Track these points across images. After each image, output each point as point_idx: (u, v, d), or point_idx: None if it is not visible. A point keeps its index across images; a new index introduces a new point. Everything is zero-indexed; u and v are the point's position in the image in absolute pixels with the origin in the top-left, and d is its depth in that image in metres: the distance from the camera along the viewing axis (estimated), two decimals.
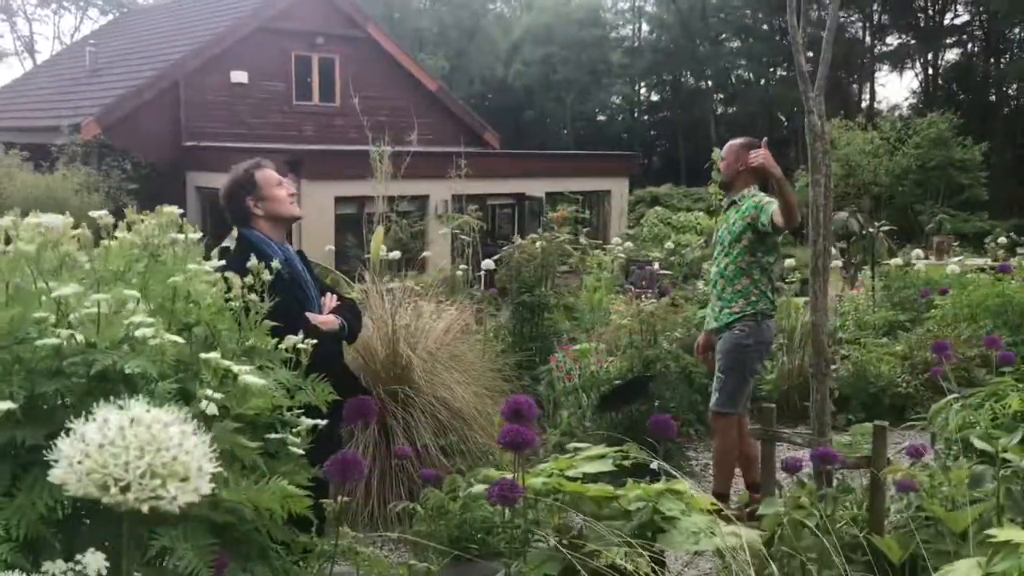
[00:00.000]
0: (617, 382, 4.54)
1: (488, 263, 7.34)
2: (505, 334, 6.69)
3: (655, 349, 5.40)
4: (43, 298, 1.89)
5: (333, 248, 13.71)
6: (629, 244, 11.89)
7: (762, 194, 4.65)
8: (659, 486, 2.87)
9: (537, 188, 17.28)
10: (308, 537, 2.79)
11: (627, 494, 2.84)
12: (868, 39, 37.15)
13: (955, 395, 4.54)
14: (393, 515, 4.49)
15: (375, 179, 13.51)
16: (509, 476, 3.20)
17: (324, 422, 2.69)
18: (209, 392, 2.00)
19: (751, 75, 40.41)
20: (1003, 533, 2.39)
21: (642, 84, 43.88)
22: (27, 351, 1.80)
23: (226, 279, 2.39)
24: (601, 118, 43.64)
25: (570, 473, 3.14)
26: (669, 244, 14.85)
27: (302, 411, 2.45)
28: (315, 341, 2.68)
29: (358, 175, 13.72)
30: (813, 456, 3.24)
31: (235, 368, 2.09)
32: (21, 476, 1.77)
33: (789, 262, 8.01)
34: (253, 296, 2.34)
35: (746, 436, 4.97)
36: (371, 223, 13.59)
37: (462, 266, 9.10)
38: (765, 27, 38.48)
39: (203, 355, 1.95)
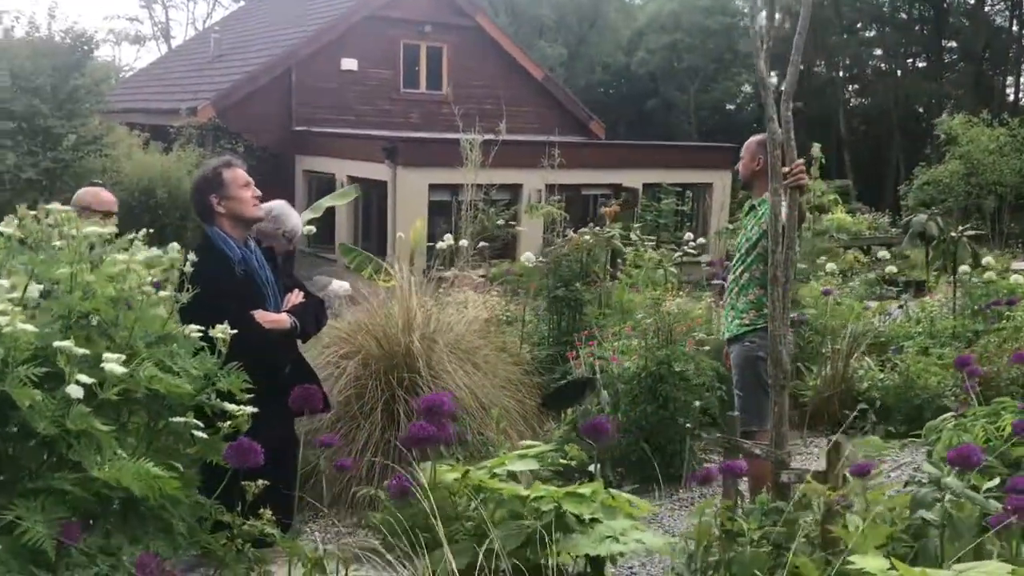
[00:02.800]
0: (561, 382, 4.54)
1: (529, 256, 7.38)
2: (542, 328, 6.75)
3: (666, 350, 5.35)
4: None
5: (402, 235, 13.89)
6: (700, 239, 11.66)
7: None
8: (566, 489, 2.90)
9: (635, 179, 17.14)
10: (233, 516, 2.97)
11: (530, 495, 2.88)
12: (1015, 27, 35.01)
13: (951, 413, 4.36)
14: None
15: (468, 167, 13.75)
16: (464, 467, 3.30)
17: (253, 408, 2.85)
18: (80, 377, 2.17)
19: (885, 65, 38.74)
20: (863, 561, 2.33)
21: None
22: None
23: (135, 272, 2.55)
24: (729, 107, 42.72)
25: (498, 470, 3.20)
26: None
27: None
28: (235, 331, 2.84)
29: (452, 163, 14.02)
30: (721, 468, 3.20)
31: (108, 356, 2.25)
32: None
33: (830, 266, 7.74)
34: (148, 288, 2.50)
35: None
36: (464, 211, 13.86)
37: (540, 258, 9.15)
38: (902, 15, 36.81)
39: (56, 343, 2.11)
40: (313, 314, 3.82)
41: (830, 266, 7.51)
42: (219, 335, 2.80)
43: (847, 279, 10.68)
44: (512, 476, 3.12)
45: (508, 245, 14.89)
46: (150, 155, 15.96)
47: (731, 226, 17.97)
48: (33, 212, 2.47)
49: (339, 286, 7.51)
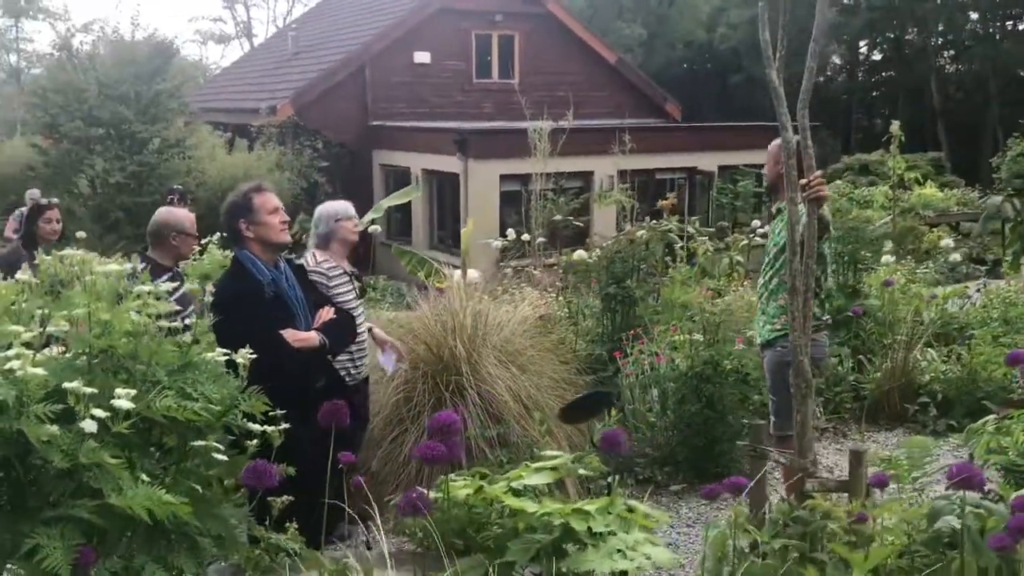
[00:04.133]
0: (579, 395, 4.56)
1: (581, 253, 7.41)
2: (595, 325, 6.78)
3: (712, 349, 5.33)
4: None
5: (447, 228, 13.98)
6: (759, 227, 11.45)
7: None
8: (572, 505, 2.96)
9: (709, 162, 16.92)
10: (263, 530, 3.13)
11: (536, 511, 2.95)
12: None
13: (993, 416, 4.25)
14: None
15: (538, 156, 13.80)
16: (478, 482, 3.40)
17: (281, 426, 3.00)
18: (95, 412, 2.33)
19: (981, 29, 37.10)
20: None
21: (863, 43, 41.42)
22: None
23: (154, 306, 2.71)
24: (818, 79, 41.63)
25: (515, 484, 3.28)
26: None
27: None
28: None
29: (522, 153, 14.08)
30: (703, 493, 3.21)
31: (120, 392, 2.40)
32: None
33: (886, 258, 7.53)
34: (162, 322, 2.65)
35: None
36: (538, 199, 13.93)
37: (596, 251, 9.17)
38: None
39: (66, 384, 2.27)
40: (343, 330, 3.94)
41: (885, 258, 7.31)
42: (240, 359, 2.95)
43: (926, 261, 10.39)
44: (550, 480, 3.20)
45: (581, 232, 14.89)
46: (233, 155, 16.47)
47: None
48: (60, 254, 2.64)
49: (470, 275, 7.64)
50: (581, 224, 13.16)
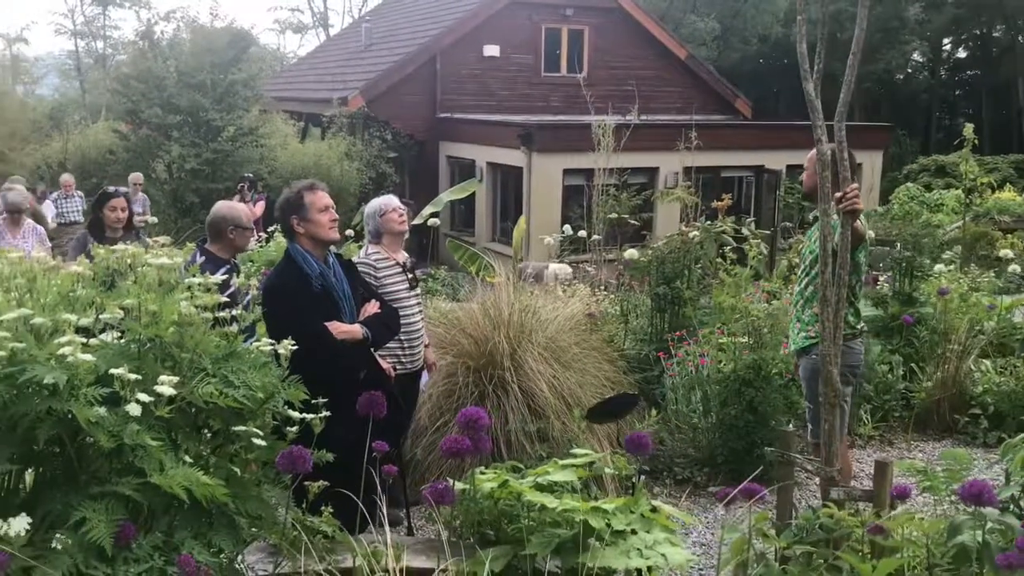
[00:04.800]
0: (607, 396, 4.61)
1: (632, 252, 7.44)
2: (646, 324, 6.83)
3: (756, 354, 5.35)
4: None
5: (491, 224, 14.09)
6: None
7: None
8: (592, 504, 3.06)
9: (777, 161, 16.71)
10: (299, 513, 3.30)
11: (556, 507, 3.05)
12: None
13: None
14: None
15: (601, 151, 13.85)
16: (504, 476, 3.51)
17: (321, 414, 3.16)
18: (140, 396, 2.51)
19: None
20: None
21: (946, 41, 40.30)
22: None
23: (200, 298, 2.88)
24: (898, 77, 40.61)
25: (541, 480, 3.39)
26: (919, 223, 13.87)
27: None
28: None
29: (586, 147, 14.13)
30: (719, 496, 3.27)
31: (164, 378, 2.58)
32: None
33: (938, 267, 7.39)
34: (207, 314, 2.82)
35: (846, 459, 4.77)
36: (600, 195, 13.97)
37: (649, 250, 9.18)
38: None
39: (112, 370, 2.45)
40: (385, 323, 4.09)
41: (938, 267, 7.19)
42: (282, 350, 3.11)
43: (996, 267, 10.14)
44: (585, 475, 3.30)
45: (643, 229, 14.88)
46: (304, 144, 16.84)
47: (880, 209, 17.29)
48: (112, 249, 2.82)
49: (559, 269, 7.79)
50: (636, 223, 13.13)
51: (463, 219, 17.64)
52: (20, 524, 2.35)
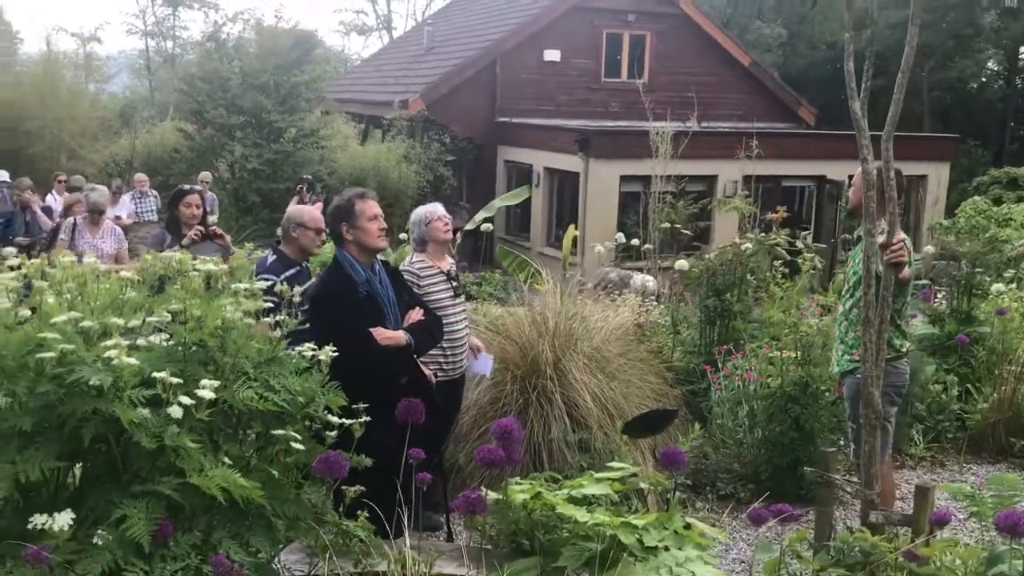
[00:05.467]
0: (641, 412, 4.57)
1: (682, 263, 7.39)
2: (694, 336, 6.79)
3: (803, 370, 5.29)
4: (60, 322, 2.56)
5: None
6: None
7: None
8: (623, 519, 3.06)
9: (839, 171, 16.43)
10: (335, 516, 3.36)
11: (586, 520, 3.06)
12: None
13: None
14: None
15: (659, 158, 13.78)
16: (537, 487, 3.53)
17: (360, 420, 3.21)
18: (182, 399, 2.59)
19: None
20: None
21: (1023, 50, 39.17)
22: (30, 361, 2.49)
23: (243, 303, 2.96)
24: (972, 86, 39.62)
25: (575, 492, 3.40)
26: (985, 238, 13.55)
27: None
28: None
29: (644, 154, 14.07)
30: (750, 516, 3.24)
31: (205, 382, 2.65)
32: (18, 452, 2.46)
33: (996, 287, 7.18)
34: (249, 320, 2.89)
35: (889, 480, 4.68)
36: (657, 202, 13.91)
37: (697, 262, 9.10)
38: None
39: (155, 373, 2.53)
40: (429, 331, 4.14)
41: (996, 287, 7.00)
42: (323, 356, 3.18)
43: None
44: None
45: (701, 238, 14.75)
46: (364, 146, 17.04)
47: (945, 222, 16.91)
48: (160, 255, 2.91)
49: (646, 279, 7.79)
50: (688, 232, 12.99)
51: (519, 223, 17.69)
52: (64, 519, 2.44)
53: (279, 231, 9.75)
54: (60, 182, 12.71)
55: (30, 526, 2.42)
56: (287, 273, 4.83)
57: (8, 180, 11.83)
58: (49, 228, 8.83)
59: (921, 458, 6.10)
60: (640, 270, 12.64)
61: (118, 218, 11.39)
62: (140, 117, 19.73)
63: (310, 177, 12.57)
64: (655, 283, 7.38)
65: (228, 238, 6.31)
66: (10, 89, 14.71)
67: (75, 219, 7.44)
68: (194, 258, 3.01)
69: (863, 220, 3.40)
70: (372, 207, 4.07)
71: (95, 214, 7.36)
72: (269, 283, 3.17)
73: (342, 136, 17.17)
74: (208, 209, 12.70)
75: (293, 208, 5.36)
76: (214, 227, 6.32)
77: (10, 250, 8.00)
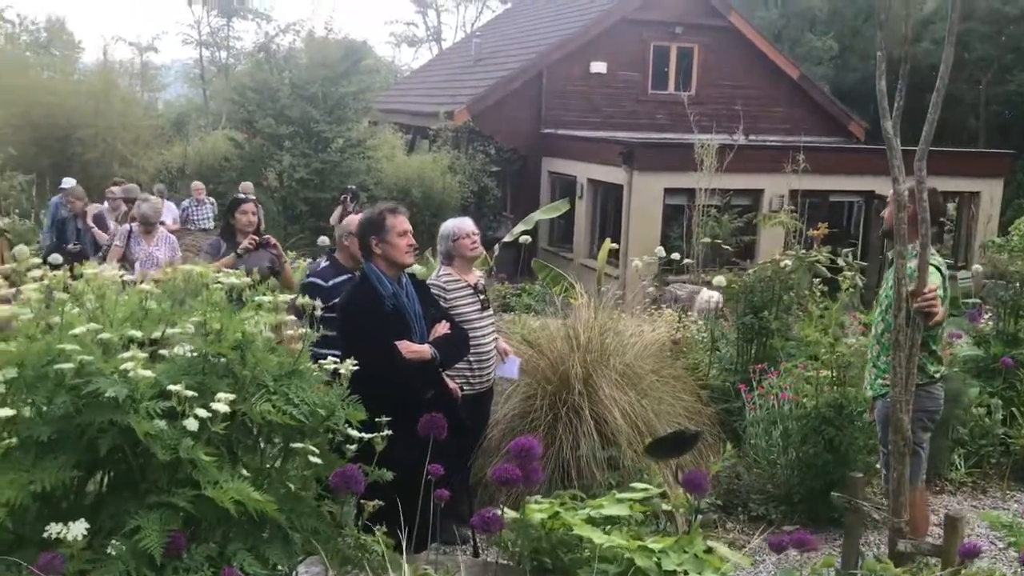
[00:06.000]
0: (667, 432, 4.50)
1: (720, 280, 7.30)
2: (732, 354, 6.71)
3: (837, 391, 5.19)
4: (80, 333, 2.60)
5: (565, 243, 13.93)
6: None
7: (933, 256, 4.22)
8: (640, 542, 3.02)
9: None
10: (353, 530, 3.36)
11: (603, 543, 3.02)
12: None
13: None
14: None
15: (703, 171, 13.68)
16: (556, 507, 3.50)
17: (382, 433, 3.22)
18: (198, 411, 2.61)
19: None
20: None
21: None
22: (50, 372, 2.53)
23: (262, 318, 2.98)
24: None
25: (594, 513, 3.36)
26: None
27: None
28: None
29: (689, 167, 13.97)
30: (770, 542, 3.17)
31: (220, 395, 2.67)
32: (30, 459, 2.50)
33: None
34: (270, 334, 2.91)
35: (921, 507, 4.55)
36: (701, 216, 13.80)
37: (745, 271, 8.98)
38: None
39: (170, 386, 2.55)
40: (455, 345, 4.14)
41: None
42: (343, 370, 3.19)
43: None
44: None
45: (746, 251, 14.59)
46: (410, 157, 17.16)
47: (998, 240, 16.50)
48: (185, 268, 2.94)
49: (712, 295, 7.73)
50: (729, 248, 12.86)
51: (563, 234, 17.66)
52: (79, 529, 2.47)
53: (319, 241, 9.85)
54: (115, 186, 12.86)
55: (45, 534, 2.45)
56: (336, 279, 4.96)
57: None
58: (105, 241, 8.99)
59: (962, 483, 5.95)
60: (682, 282, 12.55)
61: (162, 223, 11.52)
62: (194, 125, 20.08)
63: (354, 187, 12.68)
64: (720, 299, 7.23)
65: (280, 247, 6.45)
66: (68, 97, 15.06)
67: (131, 227, 7.48)
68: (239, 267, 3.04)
69: (894, 242, 3.33)
70: (402, 222, 4.08)
71: (146, 225, 7.40)
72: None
73: (389, 146, 17.30)
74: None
75: (347, 219, 5.51)
76: (267, 236, 6.45)
77: (56, 257, 8.19)
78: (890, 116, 3.24)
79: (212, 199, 13.30)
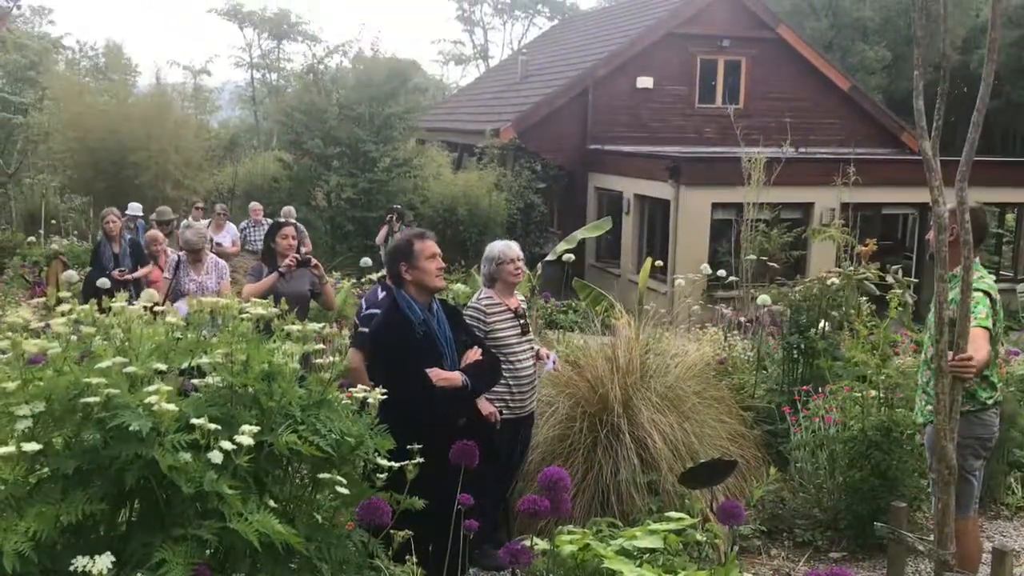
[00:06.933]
0: (703, 460, 4.38)
1: (764, 298, 7.17)
2: (777, 374, 6.58)
3: (884, 414, 5.04)
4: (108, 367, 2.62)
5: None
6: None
7: (981, 280, 4.03)
8: (670, 574, 2.95)
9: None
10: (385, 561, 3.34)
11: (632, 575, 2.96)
12: None
13: None
14: None
15: (750, 186, 13.48)
16: (587, 538, 3.45)
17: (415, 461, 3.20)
18: (224, 445, 2.61)
19: None
20: None
21: None
22: (75, 406, 2.55)
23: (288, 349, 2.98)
24: None
25: (627, 544, 3.30)
26: None
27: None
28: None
29: (736, 181, 13.79)
30: (830, 571, 3.04)
31: (245, 428, 2.67)
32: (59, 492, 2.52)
33: None
34: (293, 364, 2.91)
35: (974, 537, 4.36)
36: (749, 230, 13.60)
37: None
38: None
39: (193, 420, 2.55)
40: (486, 372, 4.10)
41: None
42: (371, 399, 3.18)
43: None
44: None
45: (796, 266, 14.35)
46: (457, 175, 17.24)
47: None
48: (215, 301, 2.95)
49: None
50: (775, 265, 12.61)
51: (610, 250, 17.57)
52: (104, 562, 2.48)
53: (362, 262, 9.81)
54: (198, 209, 12.83)
55: (72, 567, 2.46)
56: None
57: (140, 214, 11.84)
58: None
59: (1020, 508, 5.75)
60: (732, 299, 12.37)
61: (219, 245, 11.52)
62: (244, 147, 20.40)
63: (400, 207, 12.74)
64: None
65: (321, 268, 6.48)
66: (122, 122, 15.41)
67: (179, 256, 7.18)
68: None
69: (935, 265, 3.22)
70: (430, 247, 4.07)
71: (191, 252, 7.06)
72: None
73: (436, 165, 17.39)
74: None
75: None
76: (309, 255, 6.49)
77: (104, 282, 8.22)
78: (929, 136, 3.14)
79: (268, 220, 13.39)
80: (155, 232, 9.28)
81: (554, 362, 5.25)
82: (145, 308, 2.88)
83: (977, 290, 3.98)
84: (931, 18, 3.22)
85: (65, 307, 2.70)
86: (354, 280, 10.15)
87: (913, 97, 3.16)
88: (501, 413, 4.72)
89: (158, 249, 8.76)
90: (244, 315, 2.95)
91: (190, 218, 11.31)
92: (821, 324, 6.44)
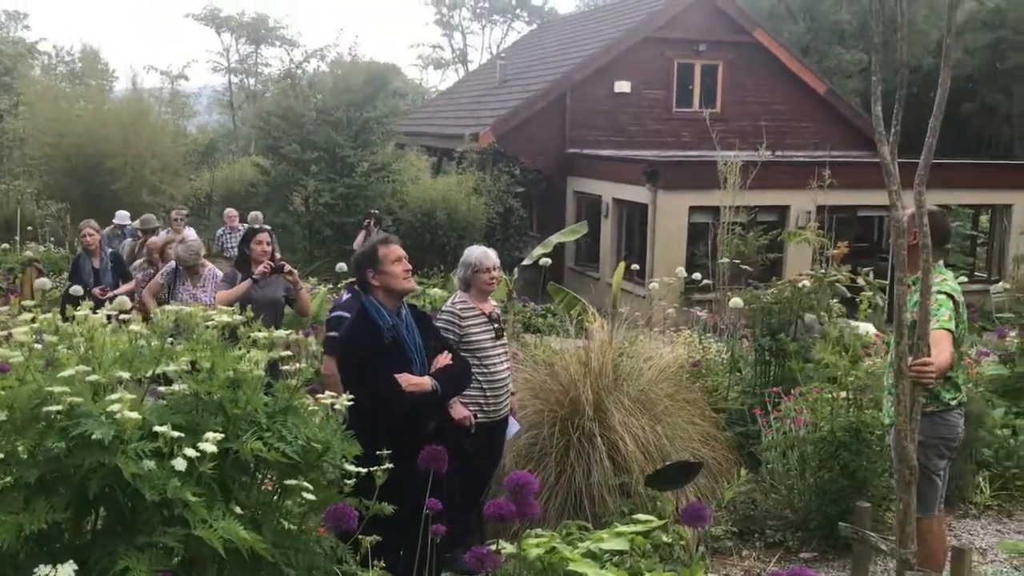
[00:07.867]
0: (666, 463, 4.42)
1: (737, 301, 7.23)
2: (749, 376, 6.63)
3: (852, 415, 5.10)
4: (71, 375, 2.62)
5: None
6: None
7: (944, 283, 4.11)
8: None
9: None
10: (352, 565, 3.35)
11: None
12: None
13: None
14: None
15: (727, 189, 13.56)
16: (554, 541, 3.47)
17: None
18: (187, 451, 2.62)
19: None
20: None
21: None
22: (38, 415, 2.56)
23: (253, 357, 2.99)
24: None
25: (593, 547, 3.33)
26: None
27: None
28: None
29: (713, 185, 13.88)
30: (790, 572, 3.08)
31: (208, 435, 2.68)
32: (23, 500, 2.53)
33: None
34: (258, 371, 2.92)
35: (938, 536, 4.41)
36: (726, 233, 13.69)
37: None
38: None
39: (156, 428, 2.56)
40: (456, 376, 4.12)
41: None
42: (338, 405, 3.19)
43: None
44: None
45: (772, 269, 14.45)
46: (435, 179, 17.25)
47: None
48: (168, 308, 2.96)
49: (867, 328, 7.56)
50: (748, 268, 12.69)
51: (589, 254, 17.63)
52: (67, 571, 2.48)
53: (337, 267, 9.79)
54: (177, 220, 11.79)
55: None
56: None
57: (127, 222, 11.61)
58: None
59: (987, 507, 5.82)
60: (708, 302, 12.43)
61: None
62: (222, 152, 20.34)
63: (377, 212, 12.75)
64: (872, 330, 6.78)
65: (296, 274, 6.45)
66: (97, 127, 15.33)
67: (177, 265, 6.98)
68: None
69: (895, 268, 3.27)
70: (395, 250, 4.09)
71: (187, 267, 6.89)
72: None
73: (414, 169, 17.40)
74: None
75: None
76: (283, 262, 6.48)
77: (76, 289, 8.10)
78: (887, 141, 3.19)
79: (244, 226, 13.26)
80: (156, 239, 9.08)
81: (514, 431, 5.23)
82: (109, 318, 2.88)
83: (940, 293, 4.05)
84: (894, 25, 3.27)
85: (27, 316, 2.70)
86: (331, 285, 10.14)
87: (872, 103, 3.21)
88: (476, 417, 4.74)
89: (157, 258, 8.53)
90: (209, 323, 2.96)
91: (174, 230, 10.81)
92: (794, 326, 6.51)
